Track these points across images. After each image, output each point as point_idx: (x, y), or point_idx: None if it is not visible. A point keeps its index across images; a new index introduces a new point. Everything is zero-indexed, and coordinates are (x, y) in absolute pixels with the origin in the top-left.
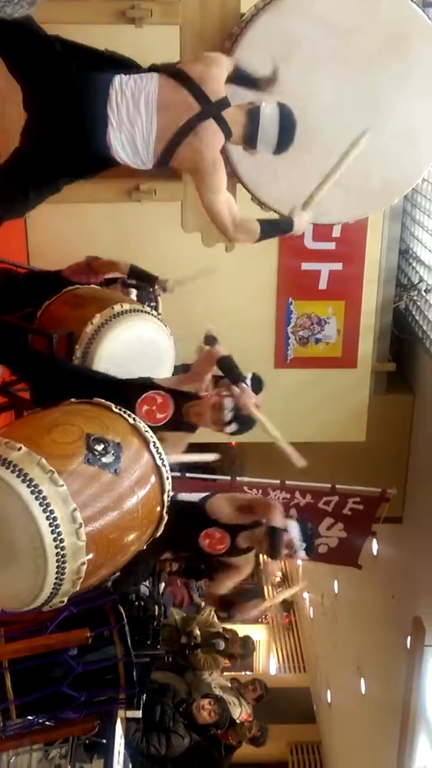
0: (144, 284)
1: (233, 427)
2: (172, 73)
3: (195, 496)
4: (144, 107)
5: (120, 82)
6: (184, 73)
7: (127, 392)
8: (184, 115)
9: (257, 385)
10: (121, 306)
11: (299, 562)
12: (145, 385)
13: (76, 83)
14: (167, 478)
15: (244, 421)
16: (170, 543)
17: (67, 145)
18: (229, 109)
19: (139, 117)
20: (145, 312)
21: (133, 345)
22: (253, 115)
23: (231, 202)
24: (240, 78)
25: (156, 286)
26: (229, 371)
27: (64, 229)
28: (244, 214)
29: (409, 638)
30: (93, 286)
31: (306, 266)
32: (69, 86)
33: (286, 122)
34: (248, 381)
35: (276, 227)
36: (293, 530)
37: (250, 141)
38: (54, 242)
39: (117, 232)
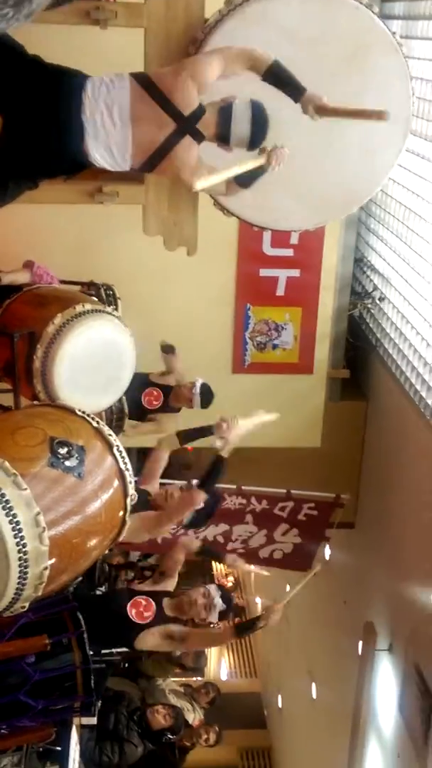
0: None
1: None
2: (144, 82)
3: None
4: (118, 118)
5: (92, 89)
6: (155, 86)
7: None
8: (159, 132)
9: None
10: (83, 306)
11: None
12: None
13: (46, 89)
14: (130, 482)
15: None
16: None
17: (45, 150)
18: (205, 114)
19: (113, 128)
20: (107, 312)
21: (95, 345)
22: (225, 112)
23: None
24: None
25: None
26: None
27: (25, 229)
28: None
29: (360, 643)
30: (54, 285)
31: (264, 272)
32: (39, 93)
33: (258, 118)
34: (197, 388)
35: None
36: (215, 594)
37: (223, 139)
38: (15, 243)
39: (79, 233)
